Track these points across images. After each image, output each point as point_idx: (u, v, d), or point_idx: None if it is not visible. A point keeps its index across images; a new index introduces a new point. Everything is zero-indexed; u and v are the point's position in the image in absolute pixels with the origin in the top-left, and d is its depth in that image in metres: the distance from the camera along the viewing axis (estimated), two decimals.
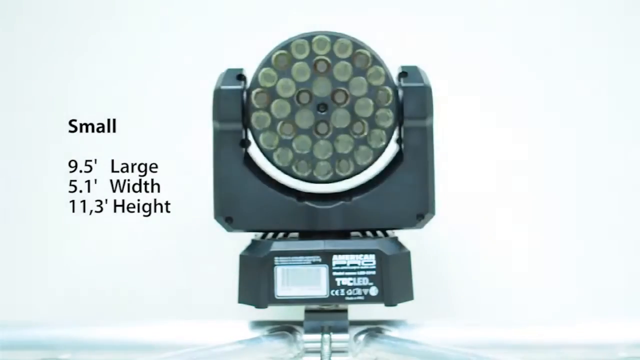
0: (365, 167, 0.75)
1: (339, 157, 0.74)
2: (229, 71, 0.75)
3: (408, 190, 0.75)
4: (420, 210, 0.75)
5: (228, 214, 0.75)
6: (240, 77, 0.74)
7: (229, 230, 0.75)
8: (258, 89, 0.73)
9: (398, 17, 0.97)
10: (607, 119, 0.97)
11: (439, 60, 0.97)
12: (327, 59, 0.73)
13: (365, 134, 0.74)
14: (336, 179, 0.75)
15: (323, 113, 0.74)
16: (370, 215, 0.76)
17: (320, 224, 0.75)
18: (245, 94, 0.74)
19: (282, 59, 0.73)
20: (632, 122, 0.97)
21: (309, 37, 0.73)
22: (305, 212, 0.75)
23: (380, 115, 0.74)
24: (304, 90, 0.73)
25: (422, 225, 0.76)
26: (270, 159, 0.74)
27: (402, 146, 0.75)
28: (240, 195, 0.75)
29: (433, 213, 0.76)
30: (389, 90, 0.74)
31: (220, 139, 0.75)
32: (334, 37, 0.74)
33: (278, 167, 0.74)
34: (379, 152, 0.75)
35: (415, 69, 0.76)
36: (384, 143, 0.75)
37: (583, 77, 0.97)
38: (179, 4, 0.99)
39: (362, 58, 0.74)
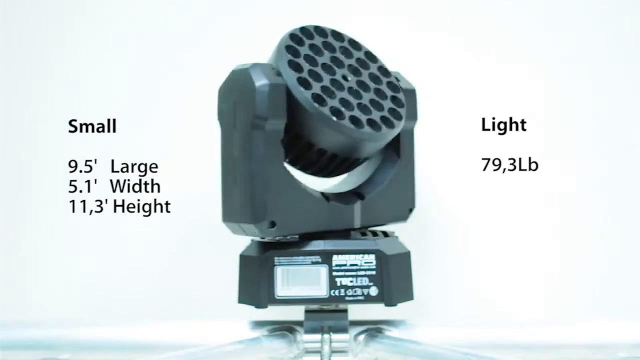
0: (393, 135, 0.75)
1: (378, 114, 0.73)
2: (258, 65, 0.70)
3: (404, 187, 0.80)
4: (411, 205, 0.81)
5: (272, 218, 0.70)
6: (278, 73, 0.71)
7: (266, 235, 0.71)
8: (295, 67, 0.70)
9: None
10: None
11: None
12: (333, 47, 0.75)
13: (390, 107, 0.75)
14: (378, 138, 0.73)
15: (353, 85, 0.74)
16: (379, 212, 0.78)
17: (345, 222, 0.75)
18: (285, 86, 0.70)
19: (297, 44, 0.72)
20: None
21: (310, 28, 0.74)
22: (333, 212, 0.74)
23: (399, 97, 0.76)
24: (329, 68, 0.73)
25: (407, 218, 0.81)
26: (328, 122, 0.70)
27: (396, 147, 0.78)
28: (283, 198, 0.71)
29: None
30: (396, 81, 0.77)
31: (261, 138, 0.69)
32: (331, 30, 0.76)
33: (337, 128, 0.70)
34: (401, 125, 0.75)
35: (399, 74, 0.80)
36: (404, 118, 0.76)
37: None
38: (178, 4, 0.99)
39: (360, 53, 0.76)
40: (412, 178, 0.80)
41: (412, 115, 0.79)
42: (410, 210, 0.81)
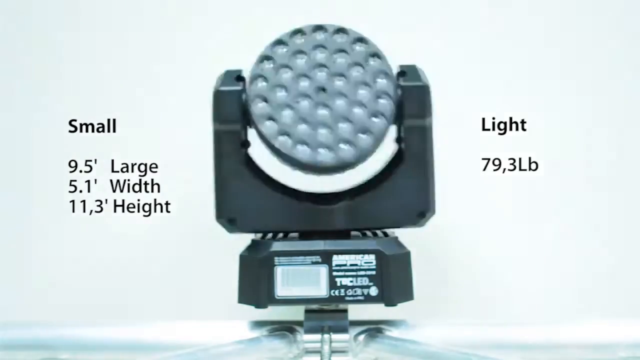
0: (368, 154, 0.73)
1: (340, 142, 0.72)
2: (228, 72, 0.74)
3: (409, 189, 0.76)
4: (421, 208, 0.76)
5: (230, 216, 0.75)
6: (239, 78, 0.74)
7: (231, 231, 0.75)
8: (257, 80, 0.72)
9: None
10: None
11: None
12: (326, 47, 0.74)
13: (366, 121, 0.73)
14: (340, 165, 0.72)
15: (323, 98, 0.73)
16: (372, 215, 0.76)
17: (321, 223, 0.75)
18: (244, 95, 0.73)
19: (280, 49, 0.73)
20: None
21: (307, 28, 0.74)
22: (305, 213, 0.75)
23: (381, 104, 0.74)
24: (303, 77, 0.73)
25: (423, 223, 0.76)
26: (272, 148, 0.72)
27: (403, 146, 0.75)
28: (241, 197, 0.75)
29: (433, 212, 0.76)
30: (389, 82, 0.74)
31: (220, 140, 0.75)
32: (334, 27, 0.74)
33: (280, 155, 0.72)
34: (380, 139, 0.73)
35: (414, 68, 0.76)
36: (385, 130, 0.73)
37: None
38: (178, 4, 0.99)
39: (361, 50, 0.74)
40: (424, 179, 0.76)
41: (420, 113, 0.75)
42: (422, 215, 0.76)
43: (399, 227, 0.77)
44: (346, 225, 0.75)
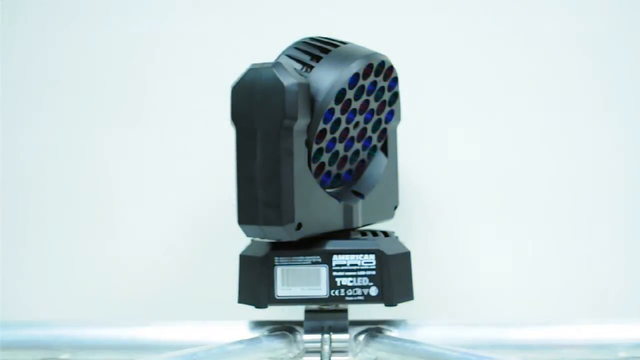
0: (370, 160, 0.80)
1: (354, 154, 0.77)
2: (280, 64, 0.68)
3: (391, 185, 0.81)
4: (395, 202, 0.82)
5: (299, 220, 0.69)
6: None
7: (294, 237, 0.70)
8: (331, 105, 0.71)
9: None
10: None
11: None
12: (376, 80, 0.75)
13: (371, 134, 0.78)
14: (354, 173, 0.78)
15: (350, 125, 0.75)
16: (374, 212, 0.79)
17: (354, 222, 0.76)
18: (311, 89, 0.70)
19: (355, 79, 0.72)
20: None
21: (374, 60, 0.73)
22: (344, 212, 0.75)
23: (384, 114, 0.78)
24: (351, 106, 0.74)
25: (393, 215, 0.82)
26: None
27: (386, 146, 0.80)
28: (307, 199, 0.70)
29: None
30: (393, 96, 0.78)
31: (290, 138, 0.68)
32: (387, 62, 0.75)
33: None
34: (380, 144, 0.79)
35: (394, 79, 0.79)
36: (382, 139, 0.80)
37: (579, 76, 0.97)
38: (179, 5, 0.99)
39: (394, 77, 0.76)
40: (397, 176, 0.82)
41: (398, 116, 0.80)
42: (395, 208, 0.82)
43: (382, 221, 0.81)
44: (362, 223, 0.77)
